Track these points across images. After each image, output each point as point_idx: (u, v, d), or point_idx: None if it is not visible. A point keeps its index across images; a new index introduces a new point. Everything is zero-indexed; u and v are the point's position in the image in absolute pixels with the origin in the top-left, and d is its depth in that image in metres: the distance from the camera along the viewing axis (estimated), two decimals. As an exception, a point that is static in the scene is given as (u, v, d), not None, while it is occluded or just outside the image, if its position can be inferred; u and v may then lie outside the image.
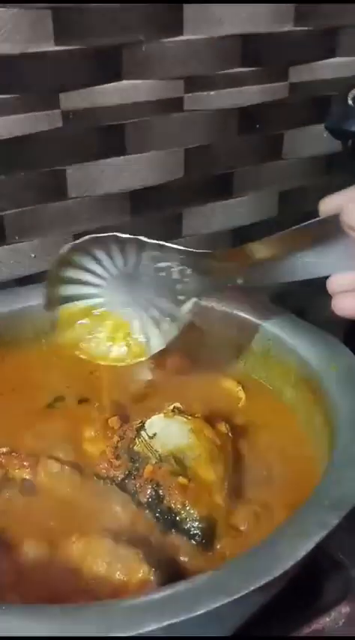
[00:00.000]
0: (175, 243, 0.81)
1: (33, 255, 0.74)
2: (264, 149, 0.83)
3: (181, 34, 0.72)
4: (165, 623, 0.34)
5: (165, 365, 0.64)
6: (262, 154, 0.83)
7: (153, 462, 0.50)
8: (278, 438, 0.57)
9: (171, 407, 0.55)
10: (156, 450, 0.51)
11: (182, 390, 0.61)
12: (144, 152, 0.76)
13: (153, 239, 0.69)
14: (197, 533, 0.47)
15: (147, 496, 0.49)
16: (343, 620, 0.49)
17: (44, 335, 0.65)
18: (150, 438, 0.52)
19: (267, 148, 0.83)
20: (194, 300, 0.53)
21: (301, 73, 0.80)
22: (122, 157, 0.75)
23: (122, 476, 0.51)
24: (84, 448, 0.55)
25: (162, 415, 0.54)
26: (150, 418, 0.54)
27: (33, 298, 0.65)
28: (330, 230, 0.45)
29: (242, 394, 0.62)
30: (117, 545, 0.45)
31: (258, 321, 0.63)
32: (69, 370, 0.60)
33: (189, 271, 0.52)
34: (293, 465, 0.54)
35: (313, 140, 0.85)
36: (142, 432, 0.52)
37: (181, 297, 0.53)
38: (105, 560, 0.44)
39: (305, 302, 0.66)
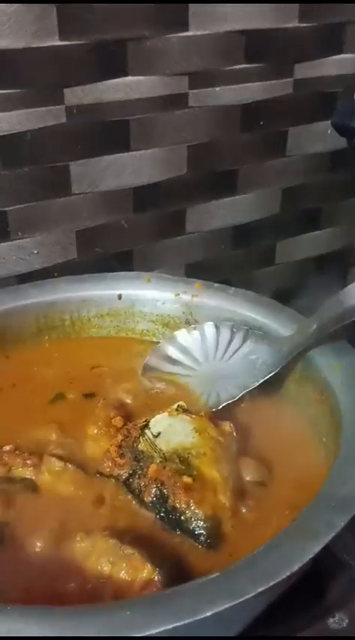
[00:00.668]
0: (177, 241, 0.83)
1: (36, 252, 0.74)
2: (268, 146, 0.83)
3: (186, 30, 0.71)
4: (171, 626, 0.34)
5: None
6: (266, 151, 0.83)
7: (158, 461, 0.50)
8: (281, 438, 0.57)
9: (175, 406, 0.54)
10: (160, 449, 0.51)
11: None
12: (148, 148, 0.75)
13: (156, 236, 0.72)
14: (202, 533, 0.47)
15: (152, 495, 0.49)
16: (347, 621, 0.49)
17: (47, 331, 0.65)
18: (155, 436, 0.52)
19: (271, 145, 0.83)
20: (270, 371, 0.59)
21: (306, 70, 0.80)
22: (126, 154, 0.74)
23: (126, 475, 0.50)
24: (87, 446, 0.54)
25: (166, 414, 0.53)
26: (154, 417, 0.53)
27: (36, 295, 0.64)
28: None
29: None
30: (121, 544, 0.44)
31: (261, 319, 0.63)
32: (71, 367, 0.60)
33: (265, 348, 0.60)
34: (296, 464, 0.54)
35: (317, 137, 0.84)
36: (146, 431, 0.52)
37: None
38: (109, 559, 0.44)
39: (311, 301, 0.66)
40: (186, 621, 0.33)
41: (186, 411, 0.54)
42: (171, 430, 0.52)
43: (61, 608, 0.36)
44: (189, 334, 0.64)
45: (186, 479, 0.49)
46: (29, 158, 0.69)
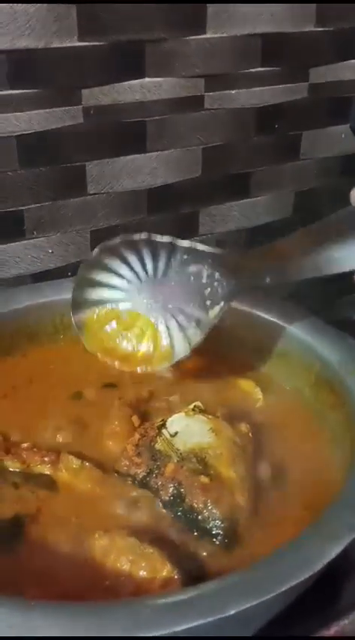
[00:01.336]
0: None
1: (50, 251, 0.74)
2: (282, 149, 0.83)
3: (204, 32, 0.72)
4: (195, 624, 0.34)
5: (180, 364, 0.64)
6: (280, 154, 0.83)
7: (175, 461, 0.50)
8: (296, 439, 0.57)
9: (192, 406, 0.55)
10: (177, 449, 0.51)
11: (200, 389, 0.61)
12: (164, 150, 0.76)
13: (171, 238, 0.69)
14: (219, 533, 0.47)
15: (169, 495, 0.49)
16: (362, 622, 0.49)
17: (63, 330, 0.65)
18: (172, 436, 0.52)
19: (285, 148, 0.83)
20: (221, 304, 0.53)
21: (321, 74, 0.80)
22: (141, 155, 0.75)
23: (143, 474, 0.51)
24: (104, 444, 0.55)
25: (183, 414, 0.54)
26: (171, 417, 0.54)
27: (53, 293, 0.65)
28: None
29: (260, 394, 0.61)
30: (140, 543, 0.45)
31: (277, 321, 0.63)
32: (88, 365, 0.60)
33: (217, 275, 0.52)
34: (311, 465, 0.54)
35: (331, 141, 0.85)
36: (163, 431, 0.52)
37: (209, 302, 0.53)
38: (128, 557, 0.44)
39: (326, 303, 0.66)
40: (210, 619, 0.34)
41: (202, 411, 0.54)
42: (188, 430, 0.52)
43: (83, 605, 0.37)
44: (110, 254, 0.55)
45: (204, 479, 0.49)
46: (46, 158, 0.70)
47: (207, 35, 0.72)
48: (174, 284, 0.54)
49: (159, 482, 0.50)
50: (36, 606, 0.37)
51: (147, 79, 0.71)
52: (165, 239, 0.52)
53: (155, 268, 0.54)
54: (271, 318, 0.64)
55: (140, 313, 0.55)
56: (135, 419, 0.55)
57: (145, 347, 0.55)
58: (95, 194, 0.74)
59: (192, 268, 0.53)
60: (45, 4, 0.63)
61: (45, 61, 0.65)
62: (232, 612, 0.34)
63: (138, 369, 0.55)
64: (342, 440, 0.54)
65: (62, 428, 0.55)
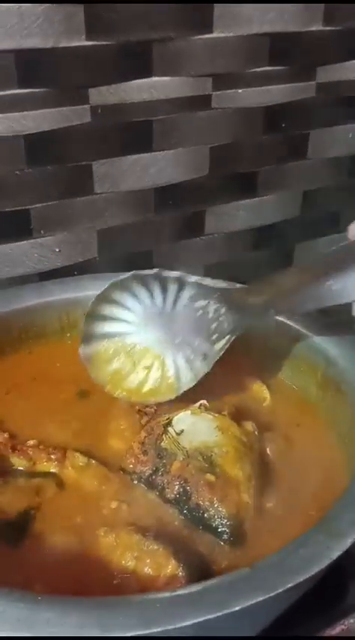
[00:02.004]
0: (197, 242, 0.83)
1: (57, 250, 0.75)
2: (289, 148, 0.83)
3: (211, 31, 0.72)
4: (202, 619, 0.34)
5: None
6: (287, 154, 0.83)
7: (181, 459, 0.50)
8: (303, 438, 0.57)
9: (198, 404, 0.55)
10: (183, 447, 0.51)
11: (206, 388, 0.61)
12: (171, 149, 0.76)
13: (176, 236, 0.70)
14: (225, 531, 0.47)
15: (175, 492, 0.49)
16: (368, 621, 0.49)
17: (69, 328, 0.66)
18: (178, 434, 0.52)
19: (292, 148, 0.83)
20: (227, 338, 0.55)
21: (329, 73, 0.80)
22: (148, 154, 0.75)
23: (149, 472, 0.51)
24: (110, 442, 0.55)
25: (189, 412, 0.54)
26: (177, 415, 0.54)
27: (59, 292, 0.65)
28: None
29: (267, 394, 0.61)
30: (146, 540, 0.45)
31: (283, 320, 0.63)
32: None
33: (223, 310, 0.54)
34: (318, 464, 0.54)
35: (338, 141, 0.84)
36: (170, 429, 0.52)
37: (215, 336, 0.55)
38: (134, 554, 0.44)
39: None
40: (218, 614, 0.34)
41: (208, 409, 0.54)
42: (194, 428, 0.52)
43: (91, 599, 0.37)
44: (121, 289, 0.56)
45: (210, 477, 0.49)
46: (53, 157, 0.70)
47: (214, 35, 0.72)
48: (181, 318, 0.56)
49: (165, 480, 0.50)
50: (43, 600, 0.37)
51: (154, 79, 0.71)
52: (174, 274, 0.54)
53: (164, 303, 0.55)
54: (277, 318, 0.64)
55: (148, 347, 0.57)
56: (141, 417, 0.55)
57: (152, 380, 0.57)
58: (102, 193, 0.74)
59: (200, 303, 0.55)
60: (53, 5, 0.63)
61: (52, 61, 0.65)
62: (237, 608, 0.34)
63: (145, 402, 0.57)
64: (349, 439, 0.54)
65: (68, 426, 0.55)
